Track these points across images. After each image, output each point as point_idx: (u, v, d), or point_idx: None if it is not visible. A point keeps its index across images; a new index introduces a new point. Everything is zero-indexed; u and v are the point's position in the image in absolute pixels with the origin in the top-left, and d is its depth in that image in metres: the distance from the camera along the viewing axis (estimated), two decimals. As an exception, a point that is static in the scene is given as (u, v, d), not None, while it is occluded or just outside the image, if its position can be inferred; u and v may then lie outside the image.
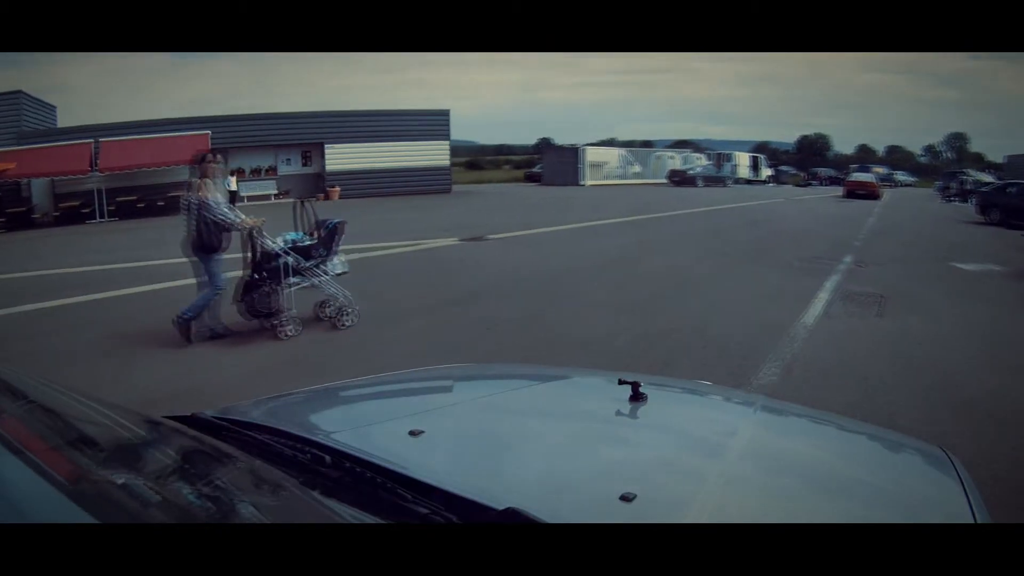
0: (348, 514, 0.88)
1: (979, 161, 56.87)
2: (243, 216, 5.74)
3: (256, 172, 25.80)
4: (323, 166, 25.87)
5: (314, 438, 1.09)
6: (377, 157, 26.33)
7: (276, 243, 5.74)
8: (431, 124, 27.79)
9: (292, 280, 5.72)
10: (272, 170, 26.04)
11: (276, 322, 5.62)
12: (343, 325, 5.91)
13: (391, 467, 0.98)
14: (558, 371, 1.97)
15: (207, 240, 5.50)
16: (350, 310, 5.95)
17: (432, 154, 27.62)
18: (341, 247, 6.14)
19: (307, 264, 5.78)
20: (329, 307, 6.11)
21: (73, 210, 20.52)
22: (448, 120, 28.46)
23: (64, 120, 25.63)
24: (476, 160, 62.59)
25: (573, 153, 37.31)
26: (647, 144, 54.88)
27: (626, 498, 0.96)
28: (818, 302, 7.05)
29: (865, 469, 1.33)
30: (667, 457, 1.25)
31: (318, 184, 25.78)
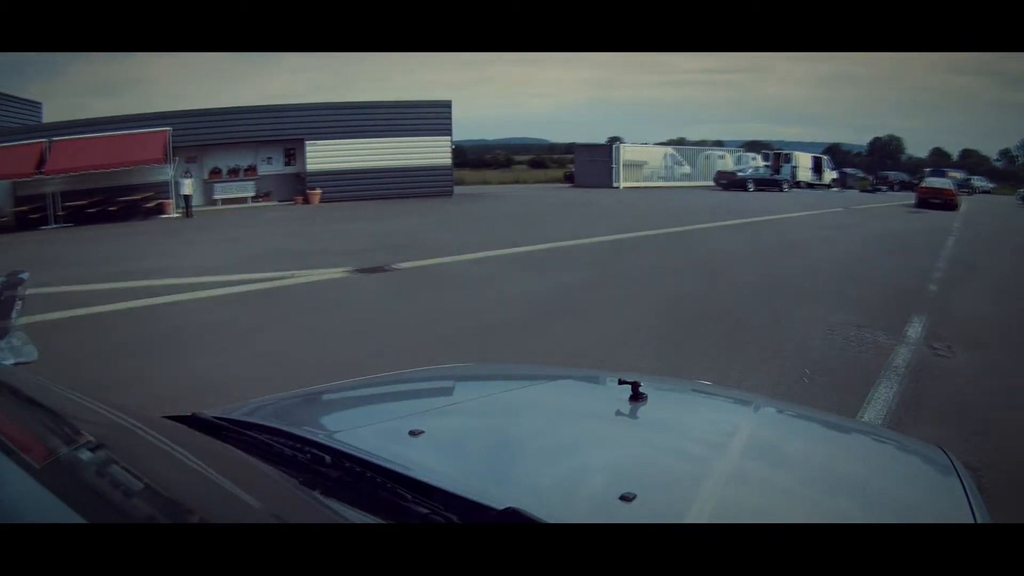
0: (348, 514, 0.88)
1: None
2: None
3: (234, 172, 23.27)
4: (304, 165, 22.93)
5: (314, 438, 1.08)
6: (366, 155, 23.27)
7: None
8: (430, 117, 24.15)
9: None
10: (252, 170, 23.34)
11: None
12: None
13: (391, 467, 0.97)
14: (558, 371, 1.95)
15: None
16: None
17: (431, 152, 24.11)
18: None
19: None
20: None
21: (23, 215, 18.52)
22: (450, 112, 24.66)
23: (50, 117, 23.88)
24: (542, 158, 62.62)
25: (606, 151, 33.12)
26: (718, 144, 50.42)
27: (626, 498, 0.95)
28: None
29: (865, 469, 1.31)
30: (667, 457, 1.23)
31: (297, 186, 22.95)
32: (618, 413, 1.34)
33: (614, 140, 38.79)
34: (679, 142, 52.08)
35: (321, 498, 0.91)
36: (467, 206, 20.95)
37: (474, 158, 65.37)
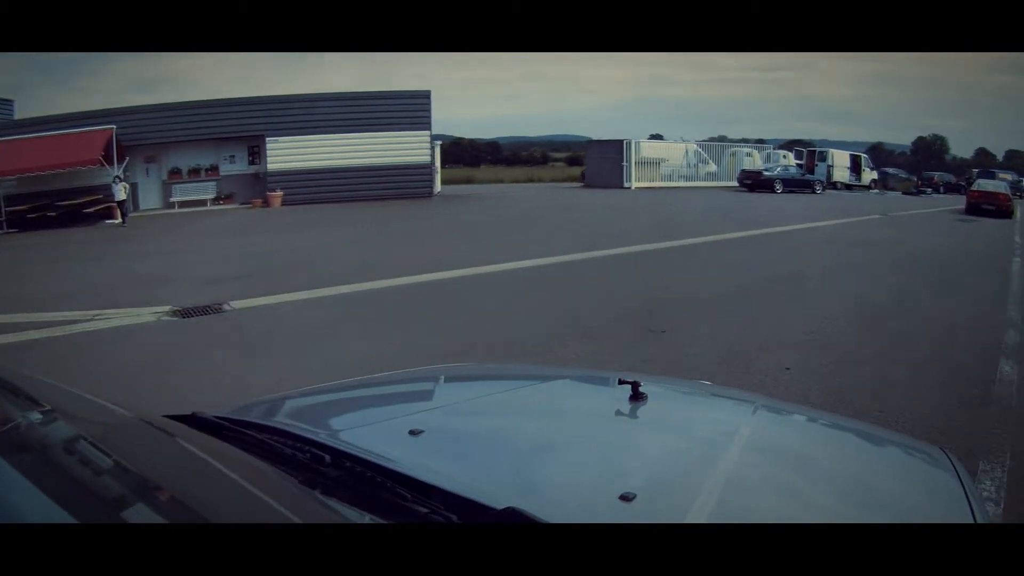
0: (348, 514, 0.88)
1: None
2: None
3: (195, 172, 21.24)
4: (264, 164, 20.72)
5: (314, 438, 1.08)
6: (333, 152, 20.87)
7: None
8: (405, 109, 21.28)
9: None
10: (213, 169, 21.27)
11: None
12: None
13: (391, 467, 0.97)
14: (558, 371, 1.98)
15: None
16: None
17: (406, 148, 21.35)
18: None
19: None
20: None
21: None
22: (429, 104, 21.57)
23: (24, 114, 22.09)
24: (578, 156, 62.02)
25: (617, 149, 29.70)
26: (760, 142, 46.94)
27: (626, 498, 0.95)
28: None
29: (865, 469, 1.31)
30: (667, 457, 1.23)
31: (259, 187, 20.83)
32: (618, 413, 1.36)
33: (655, 138, 35.84)
34: (720, 140, 48.51)
35: (321, 498, 0.91)
36: (432, 211, 18.10)
37: (509, 155, 63.18)
